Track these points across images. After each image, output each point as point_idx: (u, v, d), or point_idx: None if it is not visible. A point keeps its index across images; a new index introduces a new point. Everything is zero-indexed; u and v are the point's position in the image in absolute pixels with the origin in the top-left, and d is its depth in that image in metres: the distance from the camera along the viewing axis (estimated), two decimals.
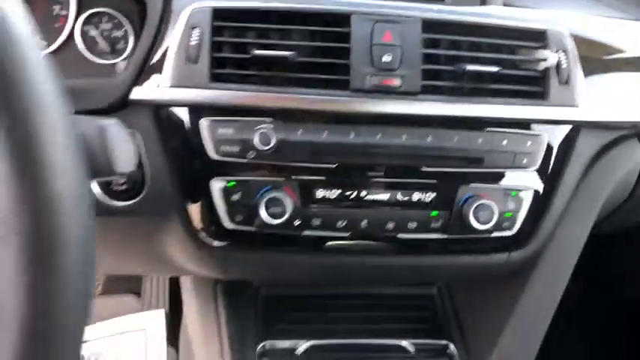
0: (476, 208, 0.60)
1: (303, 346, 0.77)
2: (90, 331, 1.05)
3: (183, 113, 0.58)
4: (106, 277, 1.23)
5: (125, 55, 0.60)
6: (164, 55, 0.57)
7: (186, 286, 0.82)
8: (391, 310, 0.84)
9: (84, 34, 0.60)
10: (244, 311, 0.80)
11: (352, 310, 0.84)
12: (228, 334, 0.75)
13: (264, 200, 0.57)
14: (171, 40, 0.57)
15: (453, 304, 0.86)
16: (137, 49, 0.58)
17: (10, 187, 0.25)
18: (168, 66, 0.56)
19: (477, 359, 0.79)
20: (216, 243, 0.62)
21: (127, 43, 0.61)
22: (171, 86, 0.56)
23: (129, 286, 1.23)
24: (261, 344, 0.78)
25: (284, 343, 0.79)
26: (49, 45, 0.59)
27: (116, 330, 1.11)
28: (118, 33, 0.61)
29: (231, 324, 0.76)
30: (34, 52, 0.27)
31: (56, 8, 0.60)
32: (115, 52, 0.61)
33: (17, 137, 0.25)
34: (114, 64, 0.61)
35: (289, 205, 0.57)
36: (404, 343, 0.79)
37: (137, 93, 0.57)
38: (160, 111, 0.58)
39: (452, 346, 0.82)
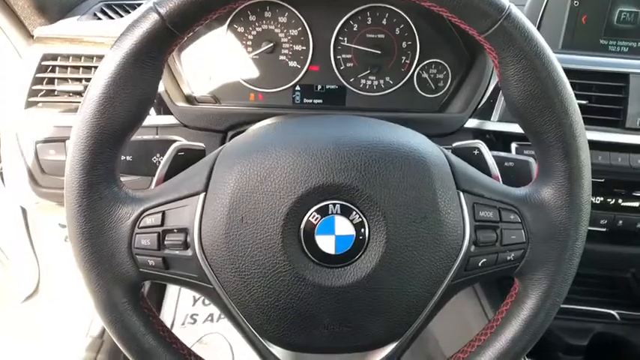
0: None
1: None
2: None
3: None
4: None
5: (444, 91, 0.85)
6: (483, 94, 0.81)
7: None
8: (595, 286, 1.06)
9: (418, 76, 0.86)
10: None
11: None
12: None
13: None
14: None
15: None
16: (452, 86, 0.83)
17: None
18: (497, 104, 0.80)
19: None
20: None
21: (445, 83, 0.85)
22: (498, 120, 0.80)
23: None
24: None
25: None
26: (394, 85, 0.86)
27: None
28: (441, 75, 0.85)
29: None
30: None
31: (404, 58, 0.85)
32: (437, 89, 0.86)
33: None
34: (436, 97, 0.86)
35: None
36: (612, 312, 1.02)
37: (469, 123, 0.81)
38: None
39: None
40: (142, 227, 0.48)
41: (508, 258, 0.49)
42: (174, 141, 0.57)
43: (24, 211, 1.19)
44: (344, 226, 0.45)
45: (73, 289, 1.25)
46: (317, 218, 0.44)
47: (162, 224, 0.48)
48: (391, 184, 0.45)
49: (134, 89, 0.45)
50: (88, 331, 1.24)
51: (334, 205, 0.45)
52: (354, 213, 0.45)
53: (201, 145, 0.54)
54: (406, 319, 0.48)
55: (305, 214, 0.45)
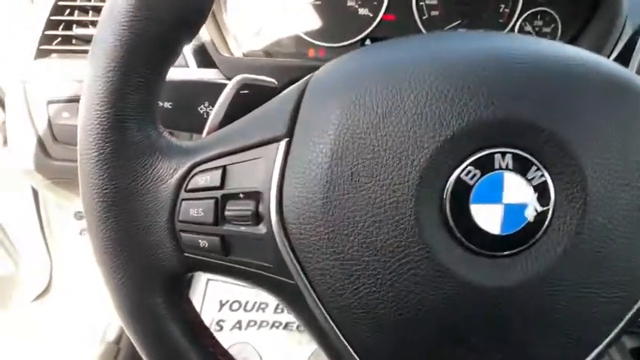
0: None
1: None
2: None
3: None
4: None
5: None
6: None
7: None
8: None
9: (520, 29, 0.69)
10: None
11: None
12: None
13: None
14: None
15: None
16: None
17: None
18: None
19: None
20: None
21: (554, 37, 0.68)
22: None
23: None
24: None
25: None
26: None
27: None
28: (548, 29, 0.68)
29: None
30: None
31: (502, 6, 0.69)
32: None
33: None
34: None
35: None
36: None
37: None
38: None
39: None
40: (190, 190, 0.32)
41: None
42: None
43: (36, 197, 1.06)
44: (517, 190, 0.28)
45: (89, 288, 1.11)
46: (474, 176, 0.28)
47: (221, 186, 0.32)
48: (596, 126, 0.28)
49: None
50: (104, 336, 1.11)
51: (503, 154, 0.28)
52: (534, 169, 0.28)
53: (273, 81, 0.38)
54: (592, 339, 0.31)
55: (455, 170, 0.28)
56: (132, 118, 0.31)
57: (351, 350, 0.31)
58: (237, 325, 1.24)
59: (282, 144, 0.30)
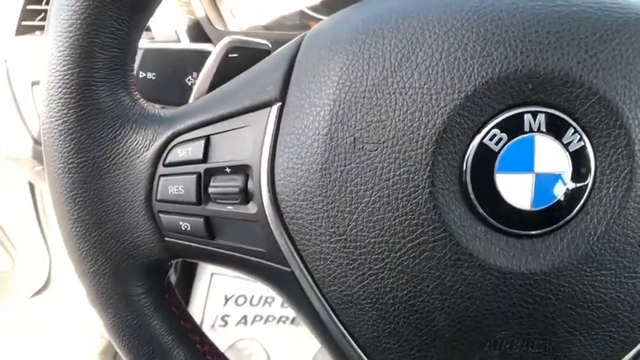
0: None
1: None
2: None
3: None
4: None
5: None
6: None
7: None
8: None
9: None
10: None
11: None
12: None
13: None
14: None
15: None
16: None
17: None
18: None
19: None
20: None
21: None
22: None
23: None
24: None
25: None
26: None
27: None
28: None
29: None
30: None
31: None
32: None
33: None
34: None
35: None
36: None
37: None
38: None
39: None
40: (169, 165, 0.28)
41: None
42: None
43: (32, 192, 1.03)
44: (551, 157, 0.24)
45: None
46: (500, 140, 0.23)
47: (204, 159, 0.27)
48: None
49: None
50: (105, 332, 1.09)
51: (534, 114, 0.23)
52: (572, 132, 0.23)
53: (267, 43, 0.34)
54: (636, 334, 0.26)
55: (477, 133, 0.24)
56: (100, 81, 0.27)
57: (355, 346, 0.27)
58: (243, 321, 1.20)
59: (274, 109, 0.26)
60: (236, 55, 0.33)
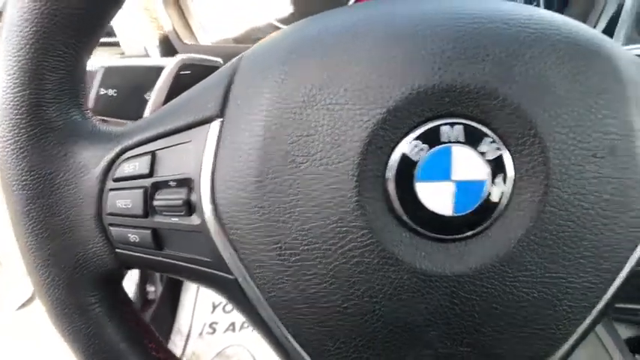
0: None
1: None
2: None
3: None
4: None
5: None
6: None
7: None
8: None
9: None
10: None
11: None
12: None
13: None
14: None
15: None
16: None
17: None
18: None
19: None
20: None
21: None
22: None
23: None
24: None
25: None
26: None
27: None
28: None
29: None
30: None
31: None
32: None
33: None
34: None
35: None
36: None
37: None
38: None
39: None
40: (118, 179, 0.29)
41: None
42: None
43: None
44: (468, 166, 0.25)
45: None
46: (420, 150, 0.25)
47: (150, 174, 0.29)
48: (558, 91, 0.25)
49: None
50: None
51: (452, 125, 0.25)
52: (489, 141, 0.25)
53: (218, 60, 0.35)
54: (562, 331, 0.28)
55: (397, 144, 0.25)
56: (50, 102, 0.28)
57: (299, 349, 0.28)
58: (231, 327, 1.20)
59: (215, 125, 0.28)
60: (188, 72, 0.34)
